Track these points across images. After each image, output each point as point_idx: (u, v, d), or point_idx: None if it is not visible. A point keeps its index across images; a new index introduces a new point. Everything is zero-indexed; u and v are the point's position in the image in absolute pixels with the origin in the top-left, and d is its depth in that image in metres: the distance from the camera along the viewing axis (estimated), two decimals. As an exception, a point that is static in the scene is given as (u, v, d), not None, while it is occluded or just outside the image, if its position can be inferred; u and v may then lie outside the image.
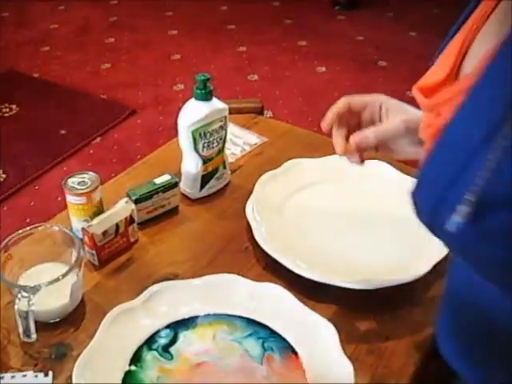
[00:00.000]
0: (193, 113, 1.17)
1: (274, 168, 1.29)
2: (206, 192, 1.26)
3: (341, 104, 0.99)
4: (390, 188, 1.22)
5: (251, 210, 1.16)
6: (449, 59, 0.71)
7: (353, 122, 1.00)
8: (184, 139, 1.19)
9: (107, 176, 1.36)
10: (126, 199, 1.13)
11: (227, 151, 1.37)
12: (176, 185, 1.19)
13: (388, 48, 3.88)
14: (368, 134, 0.95)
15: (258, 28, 4.10)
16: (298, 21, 4.22)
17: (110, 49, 3.80)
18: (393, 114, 0.96)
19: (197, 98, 1.17)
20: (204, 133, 1.18)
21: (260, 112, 1.61)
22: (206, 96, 1.17)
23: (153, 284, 1.02)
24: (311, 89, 3.41)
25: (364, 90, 3.22)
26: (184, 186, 1.26)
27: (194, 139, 1.18)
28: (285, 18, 4.25)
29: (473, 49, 0.70)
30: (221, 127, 1.20)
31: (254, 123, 1.54)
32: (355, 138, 0.95)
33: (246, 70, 3.56)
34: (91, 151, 2.79)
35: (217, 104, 1.20)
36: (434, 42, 3.19)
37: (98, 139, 2.87)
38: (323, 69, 3.62)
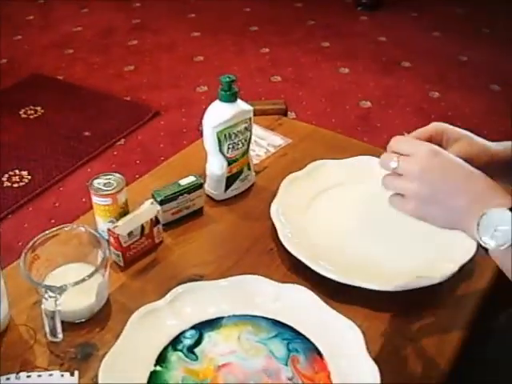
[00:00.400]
0: (218, 114, 1.18)
1: (299, 169, 1.29)
2: (230, 193, 1.26)
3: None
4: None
5: (276, 211, 1.16)
6: None
7: None
8: (209, 140, 1.20)
9: (131, 177, 1.36)
10: (151, 200, 1.13)
11: (252, 153, 1.37)
12: (201, 186, 1.20)
13: (411, 48, 3.86)
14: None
15: (281, 29, 4.09)
16: (320, 22, 4.21)
17: (133, 51, 3.81)
18: (455, 143, 0.90)
19: (222, 100, 1.18)
20: (229, 134, 1.18)
21: (284, 113, 1.61)
22: (231, 97, 1.18)
23: (178, 285, 1.02)
24: (334, 90, 3.40)
25: (387, 91, 3.23)
26: (209, 188, 1.26)
27: (219, 140, 1.18)
28: (308, 19, 4.24)
29: None
30: (245, 128, 1.21)
31: (278, 124, 1.54)
32: None
33: (269, 72, 3.56)
34: (115, 153, 2.81)
35: (242, 105, 1.20)
36: (458, 42, 3.18)
37: (122, 141, 2.88)
38: (346, 70, 3.61)
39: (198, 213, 1.23)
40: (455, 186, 0.79)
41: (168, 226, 1.19)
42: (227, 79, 1.16)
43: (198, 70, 3.56)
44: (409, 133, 0.90)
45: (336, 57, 3.75)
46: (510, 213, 0.72)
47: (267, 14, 4.30)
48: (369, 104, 3.27)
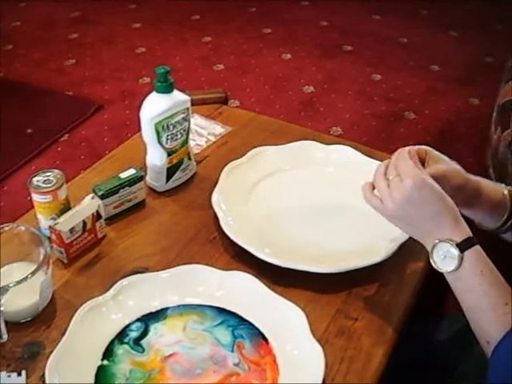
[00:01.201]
0: (155, 106, 1.17)
1: (240, 157, 1.30)
2: (172, 184, 1.27)
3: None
4: (355, 172, 1.23)
5: (217, 200, 1.17)
6: None
7: None
8: (147, 132, 1.20)
9: (76, 173, 1.36)
10: (91, 195, 1.13)
11: (192, 142, 1.38)
12: (141, 178, 1.20)
13: (353, 32, 3.89)
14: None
15: (223, 17, 4.08)
16: (262, 8, 4.21)
17: (74, 44, 3.75)
18: (434, 163, 0.97)
19: (158, 91, 1.18)
20: (167, 125, 1.18)
21: (224, 102, 1.62)
22: (167, 88, 1.17)
23: (122, 278, 1.02)
24: (277, 76, 3.40)
25: (330, 75, 3.25)
26: (150, 180, 1.26)
27: (158, 132, 1.18)
28: (249, 6, 4.23)
29: None
30: (183, 119, 1.21)
31: (218, 113, 1.55)
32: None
33: (211, 60, 3.55)
34: (59, 149, 2.76)
35: (178, 96, 1.20)
36: (398, 24, 3.22)
37: (66, 136, 2.84)
38: (288, 55, 3.62)
39: (141, 205, 1.23)
40: (426, 217, 0.90)
41: (111, 220, 1.19)
42: (162, 70, 1.16)
43: (140, 61, 3.53)
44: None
45: (278, 43, 3.76)
46: (455, 247, 0.86)
47: (208, 2, 4.27)
48: (312, 89, 3.29)
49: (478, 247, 0.87)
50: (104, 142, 2.78)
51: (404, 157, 0.92)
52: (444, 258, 0.88)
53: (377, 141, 2.81)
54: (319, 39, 3.82)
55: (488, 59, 3.58)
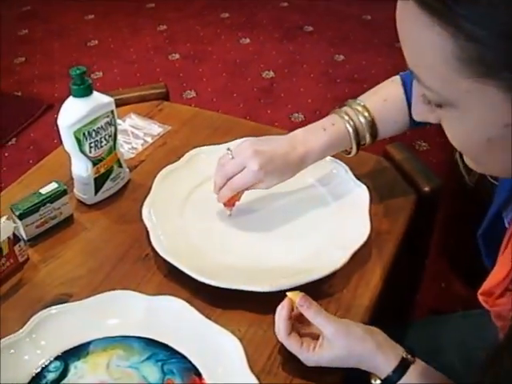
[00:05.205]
0: (72, 112, 1.05)
1: (178, 159, 1.18)
2: (102, 196, 1.15)
3: None
4: (303, 171, 1.10)
5: (148, 213, 1.05)
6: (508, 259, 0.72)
7: None
8: (68, 142, 1.08)
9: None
10: (5, 216, 1.01)
11: (126, 146, 1.27)
12: (65, 192, 1.08)
13: (314, 12, 3.77)
14: (223, 190, 1.02)
15: (179, 4, 3.92)
16: (219, -8, 4.08)
17: (24, 41, 3.60)
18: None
19: (75, 95, 1.05)
20: (88, 132, 1.06)
21: (165, 97, 1.49)
22: (85, 91, 1.05)
23: (42, 309, 0.91)
24: (235, 63, 3.28)
25: (291, 58, 3.13)
26: (78, 192, 1.14)
27: (79, 140, 1.06)
28: (206, -10, 4.10)
29: None
30: (108, 123, 1.09)
31: (158, 110, 1.42)
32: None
33: (166, 50, 3.41)
34: (6, 154, 2.62)
35: (99, 98, 1.07)
36: (360, 1, 3.08)
37: (13, 140, 2.70)
38: (247, 40, 3.50)
39: (68, 221, 1.11)
40: (354, 359, 0.82)
41: (35, 240, 1.07)
42: (77, 71, 1.03)
43: (92, 55, 3.37)
44: None
45: (237, 27, 3.64)
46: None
47: (163, -11, 4.13)
48: (272, 74, 3.17)
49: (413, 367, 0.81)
50: (53, 143, 2.62)
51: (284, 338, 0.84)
52: None
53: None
54: (279, 21, 3.70)
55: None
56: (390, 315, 1.16)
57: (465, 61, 0.52)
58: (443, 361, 0.88)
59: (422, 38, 0.55)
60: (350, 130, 1.02)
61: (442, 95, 0.57)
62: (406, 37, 0.58)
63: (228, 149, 1.03)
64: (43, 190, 1.07)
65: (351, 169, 1.14)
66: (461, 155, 0.68)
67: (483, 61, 0.51)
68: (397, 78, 1.08)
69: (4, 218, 1.00)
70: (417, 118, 0.68)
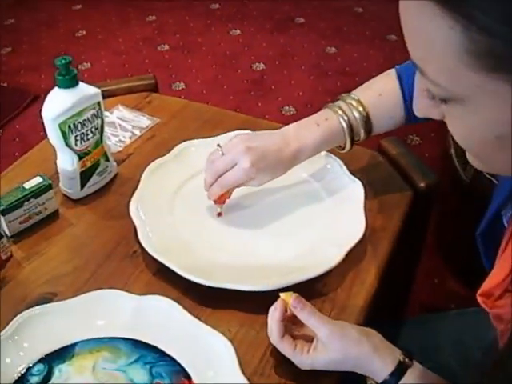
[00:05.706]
0: (57, 103, 1.01)
1: (168, 152, 1.14)
2: (88, 190, 1.11)
3: None
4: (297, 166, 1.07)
5: (135, 209, 1.01)
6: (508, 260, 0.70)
7: None
8: (52, 135, 1.04)
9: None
10: (-14, 212, 0.97)
11: (114, 139, 1.23)
12: (50, 187, 1.04)
13: (305, 3, 3.73)
14: (214, 187, 0.99)
15: (168, -6, 3.89)
16: (210, -18, 4.03)
17: (11, 30, 3.54)
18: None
19: (60, 86, 1.01)
20: (74, 124, 1.02)
21: (154, 89, 1.45)
22: (70, 82, 1.01)
23: (26, 309, 0.87)
24: (225, 54, 3.24)
25: (282, 50, 3.10)
26: (63, 187, 1.11)
27: (64, 133, 1.02)
28: (196, -20, 4.05)
29: None
30: (94, 115, 1.05)
31: (146, 102, 1.39)
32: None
33: (155, 41, 3.36)
34: (-8, 147, 2.59)
35: (85, 89, 1.04)
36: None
37: (-1, 132, 2.67)
38: (238, 31, 3.45)
39: (53, 217, 1.07)
40: (349, 362, 0.79)
41: (18, 236, 1.03)
42: (63, 61, 0.99)
43: (80, 45, 3.32)
44: None
45: (227, 18, 3.59)
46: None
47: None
48: (262, 66, 3.13)
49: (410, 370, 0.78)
50: (39, 136, 2.57)
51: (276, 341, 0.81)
52: None
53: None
54: (270, 12, 3.66)
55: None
56: (384, 313, 1.13)
57: (475, 54, 0.49)
58: (439, 360, 0.88)
59: (430, 29, 0.51)
60: (344, 125, 0.99)
61: (449, 90, 0.54)
62: (412, 28, 0.54)
63: (218, 145, 0.99)
64: (27, 185, 1.03)
65: (345, 164, 1.11)
66: (457, 150, 0.65)
67: (495, 54, 0.48)
68: (392, 72, 1.05)
69: (-15, 214, 0.97)
70: (418, 113, 0.65)
